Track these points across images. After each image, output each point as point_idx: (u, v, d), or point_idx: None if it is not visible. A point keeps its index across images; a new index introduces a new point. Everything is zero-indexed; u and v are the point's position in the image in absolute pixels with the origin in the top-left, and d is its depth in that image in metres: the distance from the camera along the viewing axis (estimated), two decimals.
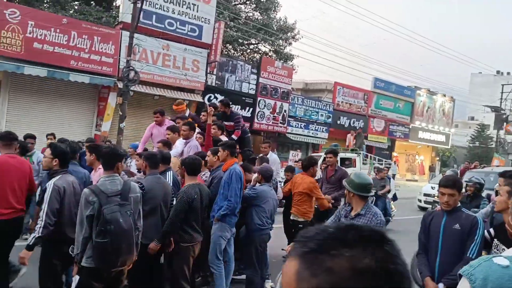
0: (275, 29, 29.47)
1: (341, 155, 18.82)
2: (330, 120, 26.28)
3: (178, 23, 18.83)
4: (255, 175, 5.82)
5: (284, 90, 23.51)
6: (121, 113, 16.24)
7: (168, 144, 6.48)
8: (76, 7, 23.82)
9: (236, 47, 29.88)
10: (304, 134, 24.80)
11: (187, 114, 8.09)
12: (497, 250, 3.16)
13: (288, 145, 25.09)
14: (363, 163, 19.78)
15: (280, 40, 30.76)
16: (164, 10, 18.41)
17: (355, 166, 18.58)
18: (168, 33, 18.51)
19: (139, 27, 16.89)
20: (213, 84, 20.64)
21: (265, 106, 22.72)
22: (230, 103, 8.80)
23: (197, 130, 7.26)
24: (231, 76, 21.37)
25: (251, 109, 22.18)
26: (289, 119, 23.87)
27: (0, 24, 14.69)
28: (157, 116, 7.56)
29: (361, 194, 3.90)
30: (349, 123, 27.53)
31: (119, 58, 17.15)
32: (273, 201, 5.65)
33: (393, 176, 28.83)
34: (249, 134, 8.49)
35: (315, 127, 25.52)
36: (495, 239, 3.30)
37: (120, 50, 17.17)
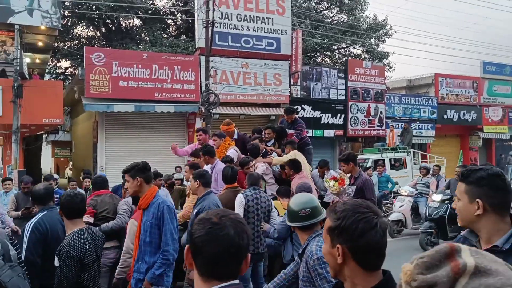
0: (365, 28, 28.01)
1: (390, 155, 16.38)
2: (435, 115, 23.92)
3: (254, 39, 18.64)
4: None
5: (377, 90, 21.96)
6: None
7: (195, 166, 6.00)
8: (167, 43, 25.03)
9: (324, 53, 28.97)
10: None
11: (235, 135, 7.44)
12: None
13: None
14: (414, 163, 17.17)
15: (372, 39, 29.16)
16: (238, 29, 18.36)
17: (406, 168, 16.23)
18: (246, 51, 18.39)
19: (216, 49, 17.08)
20: (299, 96, 19.99)
21: (358, 110, 21.40)
22: (294, 109, 8.12)
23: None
24: (316, 84, 20.53)
25: (343, 115, 21.03)
26: (387, 120, 22.17)
27: (88, 69, 15.77)
28: (200, 134, 7.03)
29: (295, 225, 3.01)
30: (459, 116, 24.82)
31: (200, 84, 17.39)
32: None
33: None
34: (311, 147, 7.67)
35: (419, 125, 23.40)
36: None
37: (200, 76, 17.42)
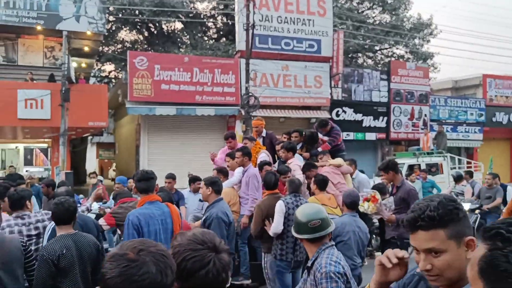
0: (408, 28, 27.28)
1: (426, 160, 15.37)
2: (483, 118, 22.97)
3: (294, 41, 18.49)
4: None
5: (421, 92, 21.31)
6: None
7: (223, 171, 5.89)
8: (208, 46, 25.24)
9: (366, 54, 28.43)
10: (453, 138, 21.99)
11: (264, 133, 7.40)
12: None
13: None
14: (452, 168, 15.97)
15: (416, 40, 28.37)
16: (279, 31, 18.26)
17: (442, 173, 15.17)
18: (286, 53, 18.28)
19: (256, 52, 17.05)
20: (340, 98, 19.66)
21: (401, 113, 20.82)
22: (327, 121, 7.80)
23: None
24: (358, 86, 20.12)
25: (385, 118, 20.53)
26: (432, 123, 21.46)
27: (132, 73, 16.09)
28: (229, 141, 6.95)
29: (304, 237, 2.85)
30: (508, 119, 23.73)
31: (241, 86, 17.41)
32: (359, 234, 4.57)
33: None
34: (344, 153, 7.42)
35: (465, 128, 22.55)
36: None
37: (240, 78, 17.44)
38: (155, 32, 26.23)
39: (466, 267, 1.29)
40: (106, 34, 19.49)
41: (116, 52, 24.92)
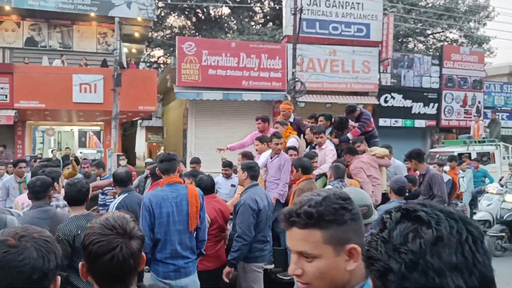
0: (463, 11, 26.10)
1: (477, 148, 14.50)
2: None
3: (343, 25, 18.16)
4: None
5: (475, 78, 20.44)
6: None
7: (248, 155, 5.85)
8: (254, 31, 25.25)
9: (417, 38, 27.48)
10: (508, 126, 21.05)
11: (291, 118, 7.21)
12: None
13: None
14: (504, 158, 14.84)
15: (471, 23, 27.12)
16: (327, 16, 17.98)
17: (494, 163, 14.29)
18: (334, 38, 18.00)
19: (304, 37, 16.92)
20: (388, 84, 19.18)
21: (453, 99, 20.08)
22: (354, 107, 7.51)
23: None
24: (408, 71, 19.54)
25: (435, 105, 19.88)
26: (486, 110, 20.58)
27: (180, 58, 16.39)
28: (259, 122, 6.81)
29: None
30: None
31: (287, 72, 17.35)
32: None
33: None
34: (377, 139, 7.22)
35: None
36: None
37: (287, 64, 17.37)
38: (203, 17, 26.51)
39: (344, 280, 1.21)
40: (156, 20, 19.88)
41: (165, 38, 25.42)
